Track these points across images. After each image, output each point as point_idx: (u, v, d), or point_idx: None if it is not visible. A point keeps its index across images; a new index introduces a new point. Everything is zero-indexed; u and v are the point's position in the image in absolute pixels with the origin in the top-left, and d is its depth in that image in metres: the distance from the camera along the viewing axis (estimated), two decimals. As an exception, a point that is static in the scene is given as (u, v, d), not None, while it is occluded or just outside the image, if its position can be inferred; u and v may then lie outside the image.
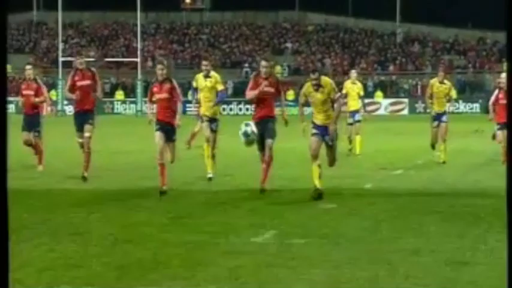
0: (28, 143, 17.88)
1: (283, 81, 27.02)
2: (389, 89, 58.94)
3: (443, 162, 18.37)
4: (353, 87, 22.03)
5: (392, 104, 56.05)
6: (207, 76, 14.71)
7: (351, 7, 71.16)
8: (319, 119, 12.64)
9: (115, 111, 56.31)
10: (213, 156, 15.09)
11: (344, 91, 21.47)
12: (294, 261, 8.19)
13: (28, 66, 18.05)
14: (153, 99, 13.45)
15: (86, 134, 15.17)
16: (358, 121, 21.45)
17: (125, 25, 67.43)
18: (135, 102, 55.85)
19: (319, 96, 12.48)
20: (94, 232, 9.72)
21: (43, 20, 69.84)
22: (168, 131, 13.35)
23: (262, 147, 13.56)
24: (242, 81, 55.12)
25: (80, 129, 15.39)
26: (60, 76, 55.56)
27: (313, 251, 8.77)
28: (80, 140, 15.35)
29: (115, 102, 57.34)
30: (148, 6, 59.78)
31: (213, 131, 14.92)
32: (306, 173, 13.66)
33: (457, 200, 12.54)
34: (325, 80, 12.75)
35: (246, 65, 61.11)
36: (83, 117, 15.39)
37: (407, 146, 24.29)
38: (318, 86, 12.44)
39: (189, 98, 23.07)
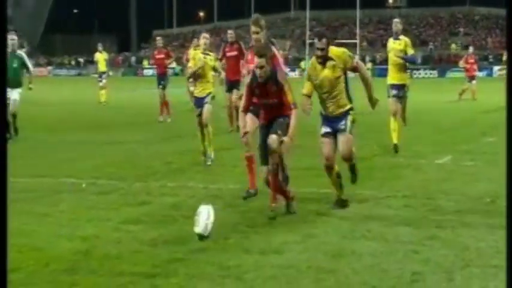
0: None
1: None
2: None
3: None
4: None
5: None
6: (396, 39, 11.95)
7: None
8: (328, 110, 7.60)
9: None
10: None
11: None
12: (465, 177, 9.56)
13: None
14: None
15: (234, 96, 14.94)
16: None
17: (349, 18, 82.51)
18: None
19: (326, 73, 7.53)
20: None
21: (297, 17, 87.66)
22: None
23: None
24: (427, 55, 70.58)
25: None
26: (307, 52, 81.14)
27: (478, 170, 10.03)
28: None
29: None
30: (364, 5, 74.76)
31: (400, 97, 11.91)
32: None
33: None
34: (336, 50, 7.56)
35: (431, 43, 76.82)
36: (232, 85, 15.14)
37: None
38: (324, 59, 7.49)
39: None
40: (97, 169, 10.56)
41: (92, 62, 32.70)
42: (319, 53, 7.54)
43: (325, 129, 7.64)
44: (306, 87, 7.76)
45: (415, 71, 59.94)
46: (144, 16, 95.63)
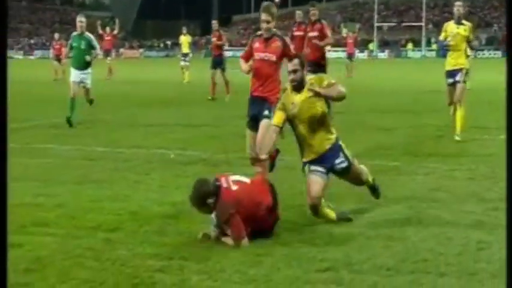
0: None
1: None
2: None
3: None
4: None
5: None
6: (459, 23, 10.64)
7: None
8: (313, 150, 5.71)
9: (407, 56, 69.80)
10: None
11: None
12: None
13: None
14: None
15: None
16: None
17: (415, 2, 79.76)
18: (420, 50, 70.55)
19: (303, 98, 5.67)
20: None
21: (366, 1, 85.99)
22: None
23: None
24: (491, 36, 69.30)
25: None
26: (375, 34, 77.18)
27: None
28: None
29: (408, 51, 71.74)
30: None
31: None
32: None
33: None
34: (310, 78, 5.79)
35: (495, 25, 73.24)
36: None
37: None
38: (300, 83, 5.72)
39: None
40: (184, 141, 10.72)
41: (178, 44, 33.17)
42: (292, 76, 5.65)
43: (315, 167, 5.67)
44: (278, 117, 5.72)
45: (479, 52, 57.98)
46: (225, 2, 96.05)
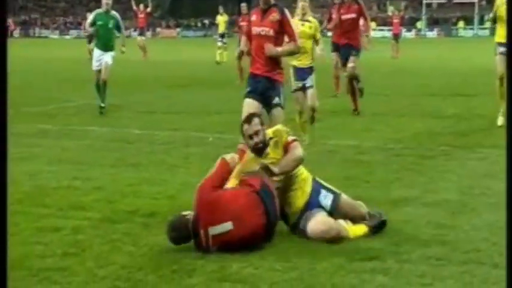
0: None
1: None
2: None
3: None
4: None
5: None
6: None
7: None
8: (294, 211, 5.01)
9: (458, 34, 68.10)
10: None
11: None
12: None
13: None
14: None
15: (350, 65, 11.69)
16: None
17: None
18: (472, 29, 68.87)
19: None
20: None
21: None
22: None
23: None
24: None
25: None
26: (423, 12, 77.56)
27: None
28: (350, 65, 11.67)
29: (459, 29, 70.14)
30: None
31: None
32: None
33: None
34: (271, 130, 5.19)
35: None
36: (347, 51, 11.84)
37: None
38: (263, 146, 5.05)
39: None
40: (222, 124, 10.73)
41: (215, 24, 33.18)
42: (255, 139, 4.95)
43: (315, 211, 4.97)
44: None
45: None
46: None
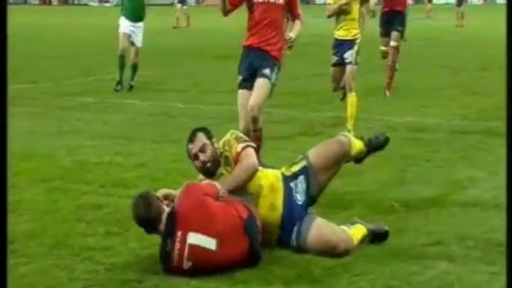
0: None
1: None
2: None
3: None
4: None
5: None
6: None
7: None
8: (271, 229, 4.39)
9: None
10: None
11: None
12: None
13: None
14: None
15: (392, 43, 10.68)
16: None
17: None
18: None
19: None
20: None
21: None
22: None
23: None
24: None
25: (385, 34, 10.80)
26: None
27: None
28: (383, 48, 10.90)
29: None
30: None
31: None
32: None
33: None
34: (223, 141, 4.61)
35: None
36: (391, 21, 10.69)
37: None
38: (213, 166, 4.51)
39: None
40: (270, 98, 10.67)
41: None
42: (201, 157, 4.46)
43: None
44: None
45: None
46: None
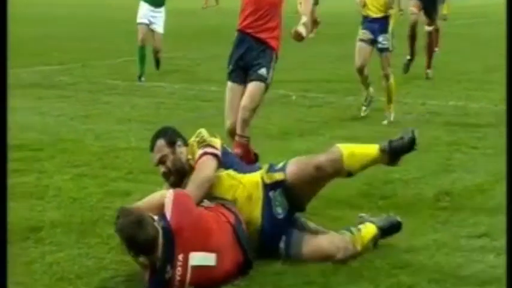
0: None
1: None
2: None
3: None
4: None
5: None
6: None
7: None
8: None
9: None
10: None
11: None
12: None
13: None
14: None
15: (428, 28, 10.91)
16: None
17: None
18: None
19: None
20: None
21: None
22: None
23: None
24: None
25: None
26: None
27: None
28: (429, 29, 10.95)
29: None
30: None
31: None
32: None
33: None
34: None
35: None
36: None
37: None
38: (179, 175, 4.23)
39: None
40: (306, 82, 10.67)
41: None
42: (162, 169, 4.22)
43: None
44: None
45: None
46: None
